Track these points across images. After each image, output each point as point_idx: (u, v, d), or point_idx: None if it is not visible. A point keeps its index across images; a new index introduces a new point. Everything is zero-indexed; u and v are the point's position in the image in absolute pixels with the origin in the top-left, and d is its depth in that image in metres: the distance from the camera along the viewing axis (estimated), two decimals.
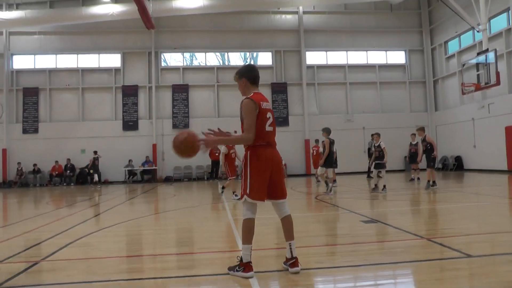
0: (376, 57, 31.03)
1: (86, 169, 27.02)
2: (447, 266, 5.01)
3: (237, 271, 4.73)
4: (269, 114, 4.92)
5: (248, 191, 4.79)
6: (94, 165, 25.60)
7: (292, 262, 4.83)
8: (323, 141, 14.88)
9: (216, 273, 5.01)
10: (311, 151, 20.86)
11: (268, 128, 4.87)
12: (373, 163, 14.55)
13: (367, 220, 8.41)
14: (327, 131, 14.68)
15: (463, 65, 24.53)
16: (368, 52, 30.90)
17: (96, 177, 25.32)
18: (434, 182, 14.67)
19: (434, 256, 5.55)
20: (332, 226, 8.55)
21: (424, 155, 15.23)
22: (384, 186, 14.03)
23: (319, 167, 15.02)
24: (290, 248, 4.89)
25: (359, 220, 8.50)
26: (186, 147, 4.76)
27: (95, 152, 25.56)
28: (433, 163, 15.04)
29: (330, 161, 14.77)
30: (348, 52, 30.72)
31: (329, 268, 5.07)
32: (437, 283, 4.35)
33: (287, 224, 5.01)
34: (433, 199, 12.27)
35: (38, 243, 7.31)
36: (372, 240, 6.70)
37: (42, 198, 18.84)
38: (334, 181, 18.01)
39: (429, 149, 14.96)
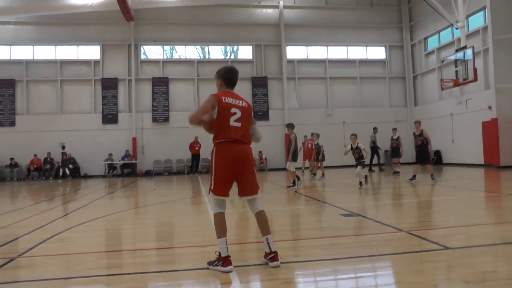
0: (357, 52, 31.25)
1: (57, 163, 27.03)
2: (426, 258, 5.08)
3: (216, 265, 4.73)
4: (234, 110, 4.91)
5: (212, 187, 4.90)
6: (62, 159, 25.87)
7: (271, 256, 4.85)
8: (291, 136, 14.90)
9: (196, 267, 4.99)
10: (307, 144, 20.87)
11: (233, 123, 4.88)
12: (356, 164, 14.11)
13: (347, 213, 8.47)
14: (291, 126, 14.94)
15: (442, 61, 24.86)
16: (348, 47, 31.09)
17: (66, 171, 25.96)
18: (432, 175, 15.02)
19: (413, 248, 5.63)
20: (312, 219, 8.59)
21: (419, 150, 15.30)
22: (366, 177, 14.48)
23: (291, 162, 14.91)
24: (268, 243, 4.91)
25: (339, 213, 8.55)
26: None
27: (63, 147, 25.69)
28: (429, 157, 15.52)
29: (296, 155, 15.15)
30: (328, 47, 30.87)
31: (309, 261, 5.08)
32: (416, 275, 4.41)
33: (261, 219, 5.06)
34: (413, 192, 12.46)
35: (15, 239, 7.18)
36: (352, 234, 6.77)
37: (19, 192, 18.55)
38: (323, 175, 18.30)
39: (425, 144, 15.06)
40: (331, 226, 7.38)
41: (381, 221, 7.46)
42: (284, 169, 27.64)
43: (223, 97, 4.90)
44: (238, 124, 4.91)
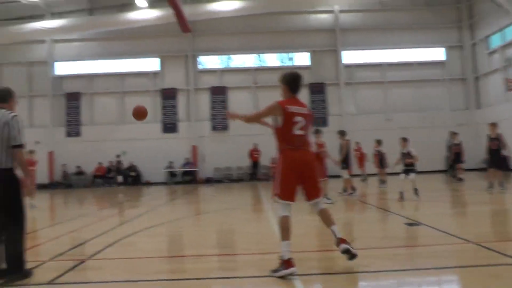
0: (414, 54, 30.28)
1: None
2: (498, 273, 4.76)
3: (279, 271, 4.73)
4: (298, 118, 5.08)
5: (279, 192, 5.03)
6: (117, 167, 27.28)
7: (339, 240, 5.04)
8: (342, 143, 14.66)
9: (258, 275, 5.00)
10: (358, 151, 20.37)
11: (297, 132, 5.06)
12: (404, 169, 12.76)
13: (410, 222, 8.21)
14: (343, 133, 14.67)
15: (508, 60, 23.69)
16: (405, 49, 30.21)
17: (119, 179, 26.97)
18: (502, 183, 13.53)
19: (483, 261, 5.31)
20: (374, 228, 8.36)
21: (493, 155, 13.63)
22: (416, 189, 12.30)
23: (343, 170, 14.53)
24: (334, 232, 5.10)
25: (403, 222, 8.31)
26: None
27: (117, 156, 27.28)
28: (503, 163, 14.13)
29: (347, 161, 14.72)
30: (384, 50, 30.15)
31: (372, 272, 4.95)
32: None
33: (324, 215, 5.25)
34: (480, 200, 11.89)
35: (83, 243, 7.49)
36: (416, 244, 6.52)
37: (85, 199, 19.33)
38: (385, 181, 17.68)
39: (499, 149, 13.57)
40: (394, 235, 7.18)
41: (446, 231, 7.14)
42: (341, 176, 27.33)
43: (288, 106, 5.06)
44: (302, 132, 5.10)
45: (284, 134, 5.05)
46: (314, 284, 4.60)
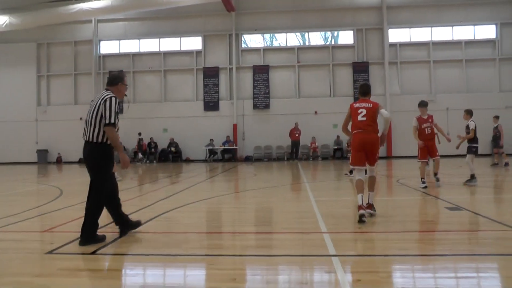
0: (463, 32, 29.07)
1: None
2: None
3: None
4: (361, 110, 7.11)
5: (352, 161, 7.25)
6: (139, 145, 28.56)
7: (367, 206, 6.94)
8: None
9: (296, 254, 5.00)
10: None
11: (360, 118, 7.06)
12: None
13: (452, 207, 7.98)
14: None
15: None
16: (454, 27, 29.05)
17: (139, 155, 28.45)
18: None
19: None
20: (415, 211, 8.18)
21: None
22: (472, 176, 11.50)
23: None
24: (369, 196, 7.08)
25: (444, 206, 8.10)
26: None
27: (139, 134, 28.60)
28: None
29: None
30: (432, 28, 29.12)
31: (413, 256, 4.85)
32: None
33: (371, 181, 7.23)
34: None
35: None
36: (458, 229, 6.34)
37: (127, 174, 19.76)
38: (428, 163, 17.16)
39: None
40: (435, 220, 7.02)
41: (490, 217, 6.93)
42: (385, 157, 26.92)
43: (354, 104, 7.25)
44: (364, 119, 7.04)
45: (352, 123, 7.18)
46: (351, 265, 4.56)
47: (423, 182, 10.85)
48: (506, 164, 17.80)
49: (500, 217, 6.85)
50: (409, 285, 3.97)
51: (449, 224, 6.65)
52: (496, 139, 18.39)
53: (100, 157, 5.58)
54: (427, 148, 11.04)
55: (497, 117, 18.80)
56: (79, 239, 5.49)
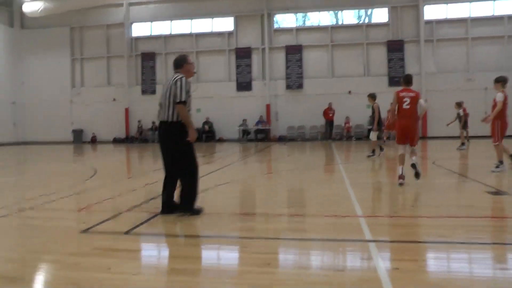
0: (505, 6, 27.55)
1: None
2: None
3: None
4: (406, 99, 8.45)
5: (397, 140, 8.70)
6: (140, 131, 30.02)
7: (412, 165, 8.35)
8: (374, 106, 14.22)
9: (330, 238, 4.88)
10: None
11: (405, 106, 8.42)
12: None
13: (493, 191, 7.61)
14: (373, 96, 14.25)
15: None
16: (495, 1, 27.87)
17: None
18: None
19: None
20: (453, 196, 7.85)
21: None
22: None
23: (374, 132, 14.24)
24: (412, 160, 8.40)
25: (484, 190, 7.70)
26: None
27: (139, 121, 29.84)
28: None
29: (380, 124, 14.59)
30: (471, 3, 27.96)
31: (451, 243, 4.60)
32: None
33: (412, 152, 8.52)
34: None
35: (158, 196, 7.67)
36: (501, 215, 6.06)
37: (159, 153, 19.93)
38: (463, 144, 17.04)
39: None
40: (474, 205, 6.67)
41: None
42: (421, 137, 26.35)
43: (400, 93, 8.51)
44: (408, 107, 8.39)
45: (398, 109, 8.53)
46: (388, 252, 4.41)
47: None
48: None
49: None
50: (448, 275, 3.80)
51: (490, 210, 6.39)
52: None
53: (177, 134, 5.95)
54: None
55: None
56: (180, 210, 5.95)
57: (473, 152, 16.61)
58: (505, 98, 10.10)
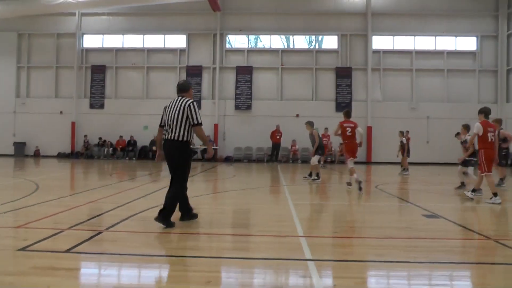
0: (445, 43, 29.43)
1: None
2: None
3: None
4: (348, 128, 11.87)
5: (348, 156, 12.03)
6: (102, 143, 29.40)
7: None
8: (313, 132, 14.84)
9: (272, 257, 5.00)
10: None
11: (348, 133, 11.81)
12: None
13: (429, 214, 8.08)
14: (311, 123, 14.93)
15: None
16: (437, 37, 29.34)
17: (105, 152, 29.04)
18: (501, 179, 13.56)
19: (501, 260, 5.25)
20: (392, 218, 8.26)
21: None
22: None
23: (315, 157, 14.69)
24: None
25: (421, 214, 8.19)
26: None
27: (100, 139, 29.24)
28: (505, 160, 14.00)
29: (322, 149, 15.24)
30: (416, 37, 29.37)
31: (389, 262, 4.90)
32: None
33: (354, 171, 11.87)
34: (502, 197, 11.59)
35: (101, 214, 7.61)
36: (434, 236, 6.42)
37: (106, 170, 19.58)
38: (407, 169, 18.07)
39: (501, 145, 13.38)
40: (412, 227, 7.07)
41: (465, 226, 7.04)
42: (364, 162, 27.14)
43: (343, 124, 11.76)
44: (350, 134, 11.75)
45: (343, 136, 12.05)
46: (327, 270, 4.58)
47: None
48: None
49: (475, 226, 6.95)
50: None
51: (426, 231, 6.73)
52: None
53: (186, 152, 6.74)
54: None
55: (465, 126, 18.94)
56: (156, 216, 6.48)
57: (413, 178, 17.27)
58: (484, 129, 10.02)
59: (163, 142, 6.89)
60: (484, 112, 10.46)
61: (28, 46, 30.56)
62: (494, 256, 5.36)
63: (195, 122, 6.64)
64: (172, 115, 6.69)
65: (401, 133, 19.54)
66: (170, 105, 6.85)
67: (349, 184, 12.15)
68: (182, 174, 6.77)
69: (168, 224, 6.48)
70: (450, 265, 4.86)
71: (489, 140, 10.02)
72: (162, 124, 6.98)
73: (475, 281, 4.39)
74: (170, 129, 6.69)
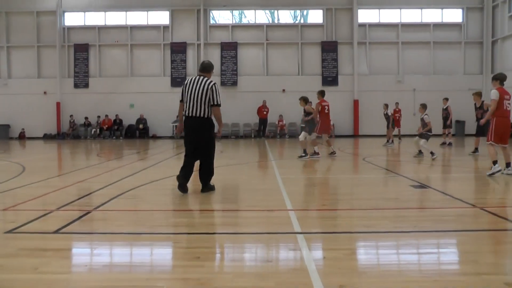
0: (431, 15, 29.42)
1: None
2: (502, 238, 4.76)
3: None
4: (326, 107, 13.39)
5: (320, 132, 13.68)
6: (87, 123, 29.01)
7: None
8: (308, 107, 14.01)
9: (262, 231, 5.03)
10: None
11: (326, 111, 13.39)
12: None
13: (416, 185, 8.18)
14: (306, 100, 13.74)
15: None
16: (422, 10, 29.33)
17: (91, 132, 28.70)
18: (476, 149, 14.12)
19: (487, 226, 5.33)
20: (380, 189, 8.35)
21: (478, 123, 13.54)
22: (431, 152, 12.82)
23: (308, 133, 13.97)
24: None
25: (409, 184, 8.28)
26: None
27: (86, 118, 28.99)
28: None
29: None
30: (401, 10, 29.31)
31: (377, 232, 4.95)
32: (488, 255, 4.14)
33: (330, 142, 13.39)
34: (484, 166, 11.75)
35: (90, 193, 7.57)
36: (422, 206, 6.51)
37: (93, 150, 19.45)
38: (392, 141, 18.37)
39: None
40: (400, 197, 7.15)
41: (452, 195, 7.13)
42: (352, 135, 27.29)
43: (323, 103, 13.40)
44: (327, 112, 13.70)
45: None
46: (317, 242, 4.61)
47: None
48: (450, 144, 18.43)
49: (461, 195, 7.04)
50: (373, 262, 4.05)
51: (413, 201, 6.81)
52: (446, 119, 18.87)
53: (210, 128, 7.38)
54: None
55: (446, 99, 19.22)
56: (201, 188, 7.51)
57: (403, 149, 17.41)
58: (500, 95, 9.23)
59: (184, 118, 7.44)
60: (500, 78, 9.58)
61: (6, 25, 29.78)
62: (480, 223, 5.44)
63: (215, 103, 7.23)
64: (195, 94, 7.17)
65: (386, 105, 19.68)
66: (191, 83, 7.31)
67: (333, 153, 13.94)
68: (210, 147, 7.45)
69: (211, 187, 7.59)
70: (437, 233, 4.94)
71: (505, 108, 9.22)
72: (182, 99, 7.43)
73: (462, 248, 4.45)
74: (193, 107, 7.19)
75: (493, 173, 9.10)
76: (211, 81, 7.30)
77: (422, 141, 13.26)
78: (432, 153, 12.85)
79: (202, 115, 7.18)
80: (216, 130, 7.63)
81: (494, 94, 9.20)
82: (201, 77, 7.33)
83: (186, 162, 7.37)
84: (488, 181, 8.88)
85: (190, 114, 7.24)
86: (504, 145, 9.17)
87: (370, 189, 8.08)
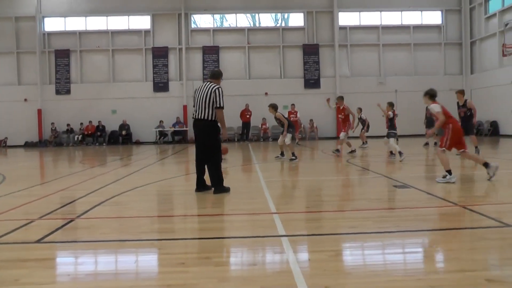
0: (411, 17, 29.88)
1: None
2: (483, 235, 4.81)
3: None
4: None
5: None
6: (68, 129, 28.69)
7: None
8: (277, 115, 14.01)
9: (247, 235, 5.02)
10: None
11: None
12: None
13: (399, 185, 8.26)
14: (275, 107, 13.79)
15: (506, 24, 23.39)
16: (402, 12, 29.77)
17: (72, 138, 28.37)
18: (476, 147, 13.68)
19: (468, 224, 5.42)
20: (364, 190, 8.43)
21: (462, 121, 13.38)
22: (400, 152, 12.79)
23: (287, 136, 14.09)
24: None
25: (392, 185, 8.38)
26: None
27: (68, 125, 28.59)
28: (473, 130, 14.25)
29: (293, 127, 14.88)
30: (382, 12, 29.71)
31: (361, 233, 4.98)
32: (470, 252, 4.20)
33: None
34: (465, 165, 11.92)
35: (73, 201, 7.48)
36: (405, 206, 6.57)
37: (75, 157, 19.26)
38: (366, 142, 18.49)
39: (469, 115, 13.81)
40: (383, 198, 7.22)
41: (434, 194, 7.21)
42: (334, 137, 27.38)
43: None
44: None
45: None
46: (301, 245, 4.62)
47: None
48: (435, 143, 18.54)
49: (443, 194, 7.12)
50: (357, 262, 4.07)
51: (396, 201, 6.87)
52: (431, 120, 18.99)
53: (214, 130, 7.70)
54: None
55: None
56: (213, 190, 7.71)
57: (383, 150, 17.51)
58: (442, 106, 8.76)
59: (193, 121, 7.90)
60: (431, 94, 9.09)
61: None
62: (462, 221, 5.53)
63: (218, 105, 7.55)
64: (200, 98, 7.63)
65: (359, 109, 19.85)
66: (199, 88, 7.82)
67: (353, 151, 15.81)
68: (215, 148, 7.71)
69: (225, 189, 7.76)
70: (421, 232, 5.00)
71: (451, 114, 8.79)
72: (194, 105, 7.89)
73: (445, 246, 4.50)
74: (199, 110, 7.62)
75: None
76: (215, 85, 7.71)
77: (391, 140, 13.48)
78: (400, 153, 12.72)
79: (206, 117, 7.55)
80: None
81: (435, 107, 8.68)
82: (209, 83, 7.80)
83: (196, 171, 7.90)
84: (472, 180, 9.00)
85: (196, 117, 7.69)
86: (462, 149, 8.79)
87: (354, 190, 8.17)
